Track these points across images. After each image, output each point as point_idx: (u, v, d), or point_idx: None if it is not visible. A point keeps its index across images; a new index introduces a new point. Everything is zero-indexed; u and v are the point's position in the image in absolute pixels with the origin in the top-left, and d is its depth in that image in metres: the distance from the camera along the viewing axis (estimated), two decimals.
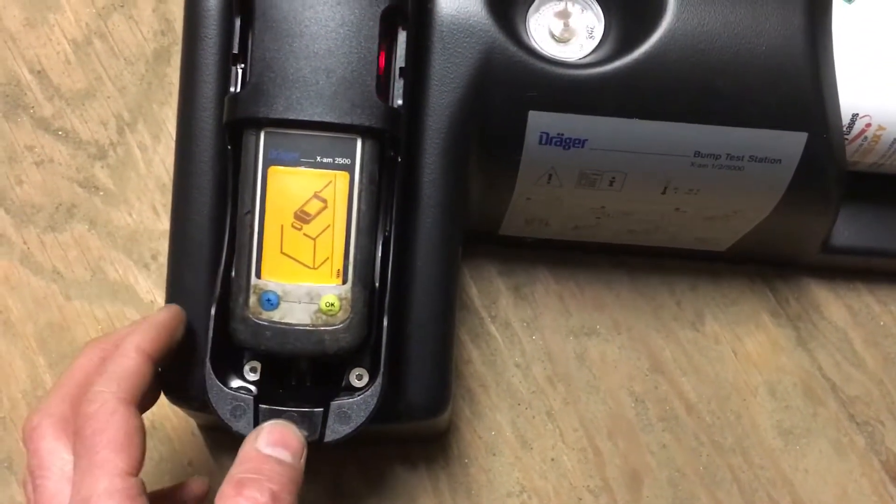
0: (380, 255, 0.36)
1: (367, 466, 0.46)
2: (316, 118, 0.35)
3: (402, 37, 0.37)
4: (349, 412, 0.35)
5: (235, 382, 0.37)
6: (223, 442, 0.46)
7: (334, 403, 0.35)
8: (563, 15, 0.41)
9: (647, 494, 0.47)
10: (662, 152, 0.40)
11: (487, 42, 0.39)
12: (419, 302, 0.39)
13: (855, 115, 0.41)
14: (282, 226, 0.35)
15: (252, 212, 0.35)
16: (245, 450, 0.34)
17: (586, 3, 0.41)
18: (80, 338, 0.48)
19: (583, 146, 0.40)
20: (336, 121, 0.35)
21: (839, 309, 0.49)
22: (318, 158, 0.35)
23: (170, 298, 0.39)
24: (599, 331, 0.49)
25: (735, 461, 0.47)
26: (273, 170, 0.35)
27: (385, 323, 0.36)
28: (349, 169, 0.35)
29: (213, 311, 0.36)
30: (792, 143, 0.39)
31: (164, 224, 0.49)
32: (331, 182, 0.35)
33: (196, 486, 0.40)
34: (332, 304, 0.35)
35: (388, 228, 0.37)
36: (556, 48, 0.40)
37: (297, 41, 0.35)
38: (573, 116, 0.39)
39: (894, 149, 0.43)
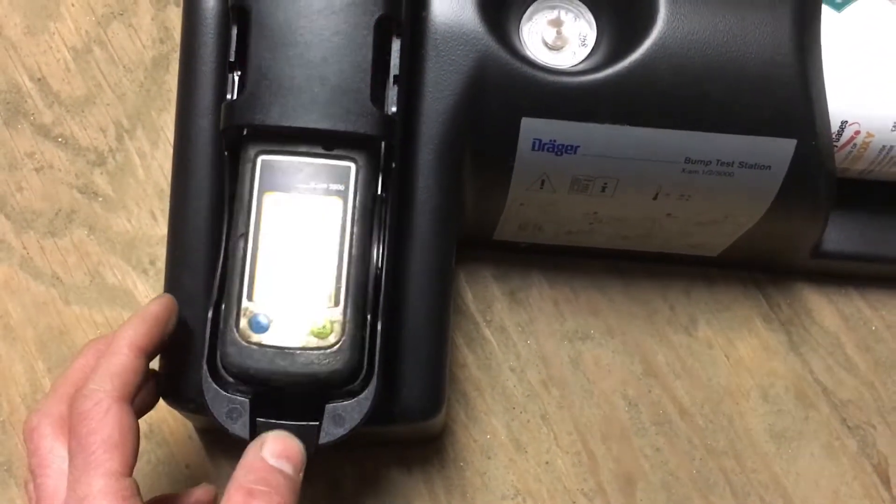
0: (373, 279, 0.37)
1: (362, 469, 0.47)
2: (311, 125, 0.35)
3: (395, 45, 0.37)
4: (343, 414, 0.35)
5: (231, 385, 0.37)
6: (221, 445, 0.47)
7: (329, 406, 0.35)
8: (556, 23, 0.41)
9: (640, 498, 0.47)
10: (654, 159, 0.40)
11: (481, 50, 0.39)
12: (414, 305, 0.40)
13: (844, 123, 0.42)
14: (275, 250, 0.36)
15: (246, 234, 0.36)
16: (250, 458, 0.34)
17: (579, 11, 0.41)
18: (80, 342, 0.48)
19: (575, 152, 0.40)
20: (331, 128, 0.35)
21: (831, 314, 0.50)
22: (313, 185, 0.36)
23: None
24: (593, 335, 0.49)
25: (728, 464, 0.48)
26: (268, 195, 0.36)
27: (379, 326, 0.36)
28: (342, 195, 0.36)
29: (209, 315, 0.36)
30: (781, 149, 0.40)
31: (163, 229, 0.49)
32: (324, 208, 0.36)
33: (202, 493, 0.40)
34: (325, 328, 0.35)
35: (381, 251, 0.37)
36: (549, 56, 0.41)
37: (293, 49, 0.36)
38: (566, 123, 0.39)
39: (883, 156, 0.43)
